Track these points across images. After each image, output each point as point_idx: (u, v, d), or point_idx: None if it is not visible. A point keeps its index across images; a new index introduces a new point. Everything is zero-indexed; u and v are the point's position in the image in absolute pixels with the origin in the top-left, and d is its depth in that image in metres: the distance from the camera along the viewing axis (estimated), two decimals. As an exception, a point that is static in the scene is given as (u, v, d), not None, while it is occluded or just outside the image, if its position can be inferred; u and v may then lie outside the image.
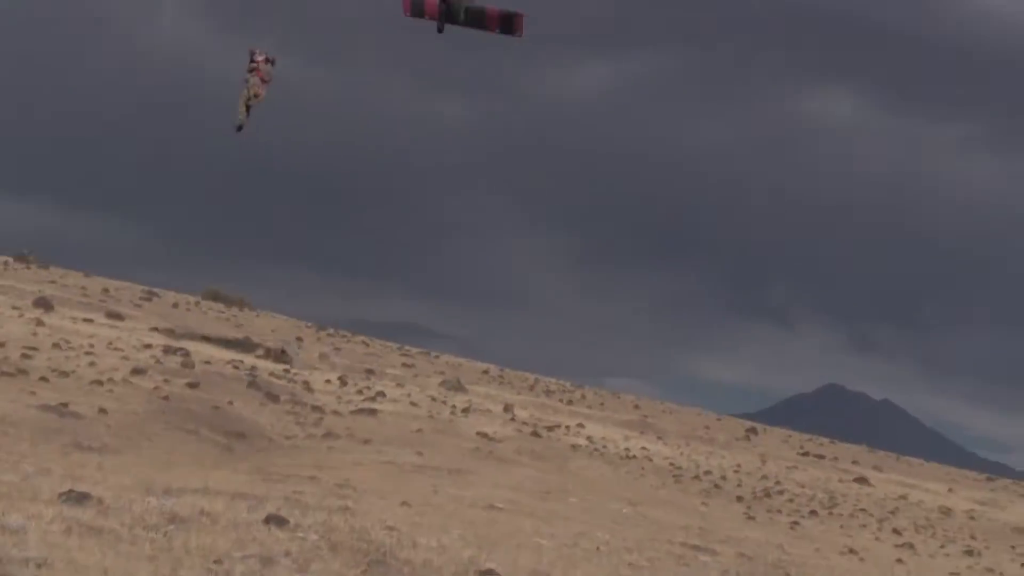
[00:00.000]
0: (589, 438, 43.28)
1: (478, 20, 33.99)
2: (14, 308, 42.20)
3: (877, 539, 30.78)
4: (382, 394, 42.39)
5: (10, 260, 67.92)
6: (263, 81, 25.68)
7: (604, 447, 41.54)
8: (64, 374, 28.87)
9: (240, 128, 25.68)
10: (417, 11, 32.64)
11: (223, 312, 68.78)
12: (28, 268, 65.47)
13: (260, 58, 25.31)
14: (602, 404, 66.43)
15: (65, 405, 23.76)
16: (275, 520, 12.62)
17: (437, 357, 75.54)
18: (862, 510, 38.51)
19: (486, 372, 71.84)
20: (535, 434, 39.99)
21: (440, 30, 33.96)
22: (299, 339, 61.45)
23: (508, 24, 31.54)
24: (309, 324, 76.26)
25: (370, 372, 51.65)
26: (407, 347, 79.24)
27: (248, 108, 25.79)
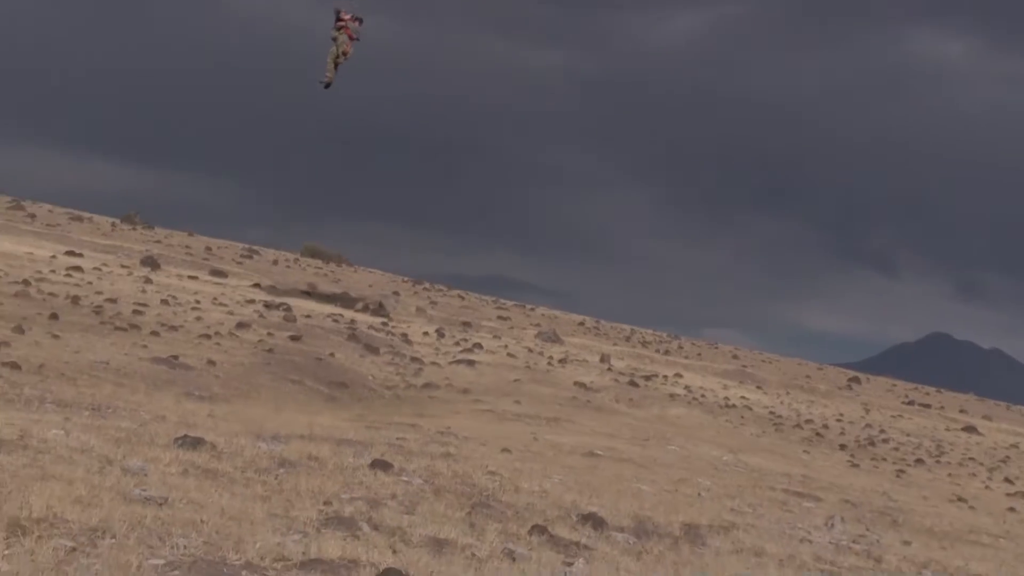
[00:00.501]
0: (687, 387, 43.03)
1: None
2: (123, 267, 43.68)
3: (987, 488, 30.02)
4: (479, 346, 42.76)
5: (117, 221, 70.23)
6: (351, 39, 25.87)
7: (703, 396, 41.26)
8: (173, 328, 29.83)
9: (328, 85, 25.96)
10: None
11: (321, 268, 70.07)
12: (134, 229, 67.61)
13: (347, 16, 25.49)
14: (699, 354, 65.89)
15: (175, 357, 24.58)
16: (380, 465, 12.87)
17: (533, 310, 75.79)
18: (971, 459, 37.56)
19: (582, 324, 71.84)
20: (632, 383, 39.93)
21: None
22: (396, 293, 62.30)
23: None
24: (405, 279, 77.17)
25: (466, 325, 52.12)
26: (502, 300, 79.66)
27: (336, 65, 26.04)
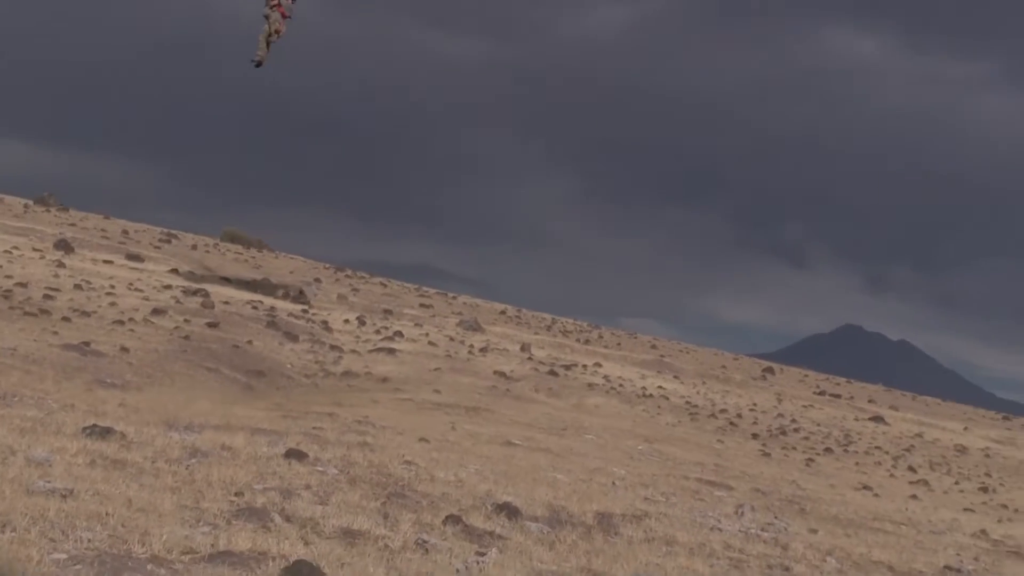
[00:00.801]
0: (606, 377, 43.50)
1: None
2: (35, 250, 42.51)
3: (892, 476, 30.97)
4: (400, 334, 42.64)
5: (30, 203, 68.24)
6: (284, 17, 25.61)
7: (621, 386, 41.76)
8: (86, 314, 29.16)
9: (259, 64, 25.64)
10: None
11: (241, 254, 69.05)
12: (48, 211, 65.78)
13: None
14: (619, 344, 66.63)
15: (87, 344, 24.04)
16: (295, 454, 12.80)
17: (454, 298, 75.78)
18: (877, 448, 38.69)
19: (503, 312, 72.05)
20: (552, 373, 40.23)
21: None
22: (317, 280, 61.72)
23: None
24: (327, 266, 76.50)
25: (388, 313, 51.92)
26: (425, 288, 79.49)
27: (268, 44, 25.74)
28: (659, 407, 38.51)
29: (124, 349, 24.97)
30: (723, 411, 41.33)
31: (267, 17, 26.66)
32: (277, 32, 26.72)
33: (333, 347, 35.95)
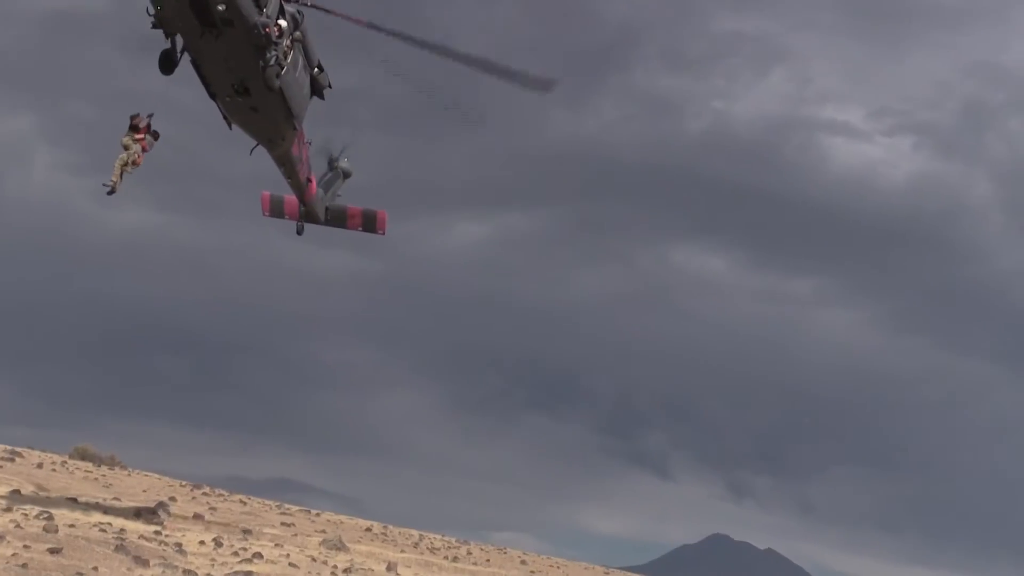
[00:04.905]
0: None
1: (339, 219, 34.45)
2: None
3: None
4: (259, 555, 40.73)
5: None
6: (144, 150, 25.42)
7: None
8: (-88, 542, 26.97)
9: (112, 191, 25.13)
10: (276, 211, 32.74)
11: (92, 472, 65.76)
12: None
13: (143, 125, 25.10)
14: (488, 560, 65.19)
15: (-89, 576, 22.13)
16: None
17: (318, 515, 73.35)
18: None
19: (368, 530, 69.96)
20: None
21: (299, 231, 34.14)
22: (172, 499, 58.99)
23: (371, 222, 32.00)
24: (183, 483, 73.46)
25: (247, 532, 49.73)
26: (286, 505, 76.86)
27: (123, 174, 25.33)
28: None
29: (-47, 580, 23.07)
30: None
31: (127, 147, 26.49)
32: (135, 163, 26.46)
33: (187, 572, 34.06)
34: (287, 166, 31.47)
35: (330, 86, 30.53)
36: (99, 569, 29.88)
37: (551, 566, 71.84)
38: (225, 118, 29.72)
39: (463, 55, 29.93)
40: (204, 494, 68.82)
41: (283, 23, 26.72)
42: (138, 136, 23.63)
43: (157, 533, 42.40)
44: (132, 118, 25.97)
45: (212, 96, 28.81)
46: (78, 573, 28.00)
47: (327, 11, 28.50)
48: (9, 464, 58.74)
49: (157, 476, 74.06)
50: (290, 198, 30.70)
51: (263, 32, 25.55)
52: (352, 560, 45.87)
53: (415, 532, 77.45)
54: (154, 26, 25.70)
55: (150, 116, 26.11)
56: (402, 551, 58.61)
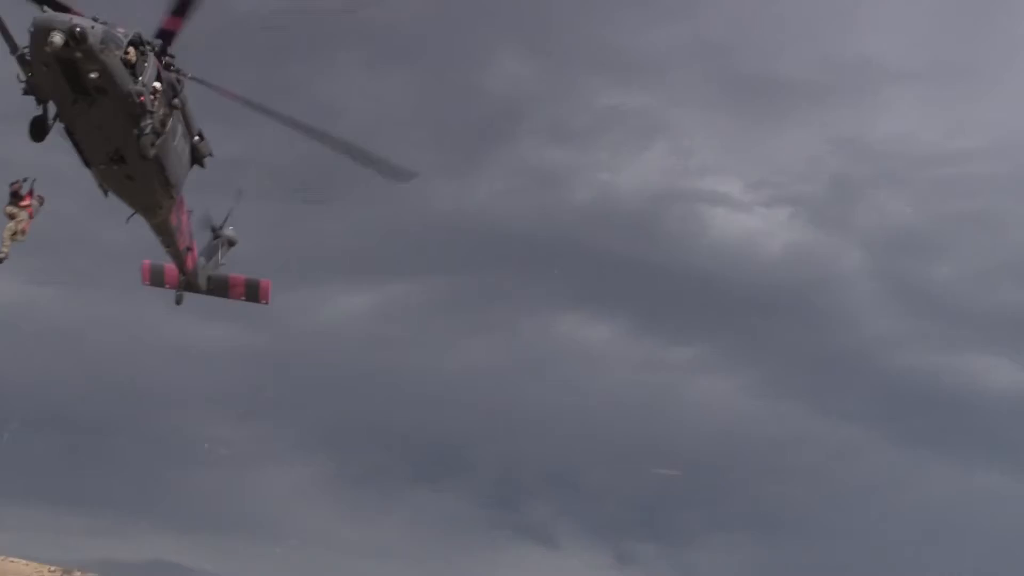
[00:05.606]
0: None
1: (222, 288, 34.19)
2: None
3: None
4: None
5: None
6: (31, 217, 24.96)
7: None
8: None
9: (2, 261, 24.57)
10: (157, 280, 32.41)
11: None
12: None
13: (26, 192, 24.68)
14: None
15: None
16: None
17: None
18: None
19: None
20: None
21: (178, 301, 33.73)
22: (42, 583, 56.36)
23: (254, 291, 31.83)
24: (54, 568, 70.30)
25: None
26: (164, 586, 74.10)
27: (9, 243, 24.78)
28: None
29: None
30: None
31: (12, 216, 25.94)
32: (23, 232, 25.97)
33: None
34: (165, 235, 31.02)
35: (211, 154, 30.34)
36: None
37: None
38: (101, 186, 29.19)
39: (330, 138, 30.32)
40: (76, 578, 65.80)
41: (158, 85, 26.55)
42: (23, 204, 23.33)
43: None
44: (11, 185, 25.60)
45: (87, 164, 28.29)
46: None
47: (202, 83, 28.44)
48: None
49: (24, 562, 70.64)
50: (171, 267, 30.27)
51: (138, 101, 25.27)
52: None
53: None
54: (25, 92, 25.35)
55: (31, 180, 25.76)
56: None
